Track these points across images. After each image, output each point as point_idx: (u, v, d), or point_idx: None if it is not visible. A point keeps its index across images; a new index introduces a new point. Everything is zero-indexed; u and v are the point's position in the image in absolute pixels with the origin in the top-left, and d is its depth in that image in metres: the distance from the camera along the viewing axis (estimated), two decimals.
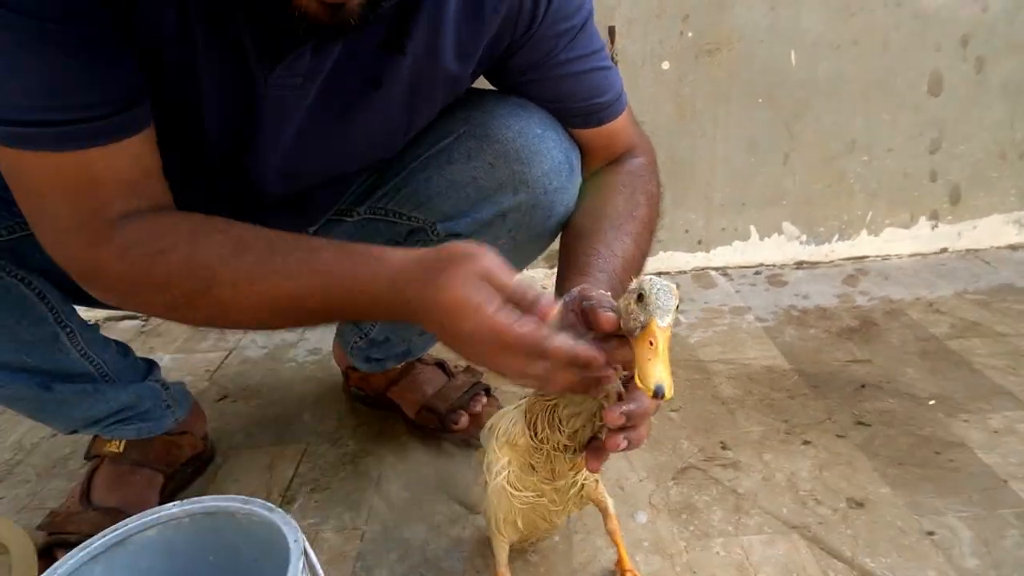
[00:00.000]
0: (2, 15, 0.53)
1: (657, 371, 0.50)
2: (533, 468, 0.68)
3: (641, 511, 0.92)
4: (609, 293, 0.59)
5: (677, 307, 0.52)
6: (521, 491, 0.69)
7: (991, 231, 1.65)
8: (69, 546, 0.82)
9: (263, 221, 0.85)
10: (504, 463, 0.69)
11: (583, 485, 0.71)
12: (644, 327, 0.51)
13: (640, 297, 0.52)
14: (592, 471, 0.66)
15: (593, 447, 0.62)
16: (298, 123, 0.72)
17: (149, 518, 0.62)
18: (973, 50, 1.50)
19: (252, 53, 0.64)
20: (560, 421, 0.63)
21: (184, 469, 1.00)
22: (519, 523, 0.73)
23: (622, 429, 0.56)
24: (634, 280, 0.54)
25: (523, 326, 0.54)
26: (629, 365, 0.55)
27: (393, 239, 0.92)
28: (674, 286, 0.53)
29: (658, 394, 0.50)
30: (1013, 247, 1.66)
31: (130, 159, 0.62)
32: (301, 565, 0.54)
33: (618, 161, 0.86)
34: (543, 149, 0.80)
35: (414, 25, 0.69)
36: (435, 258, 0.58)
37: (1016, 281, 1.51)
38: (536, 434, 0.65)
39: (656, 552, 0.86)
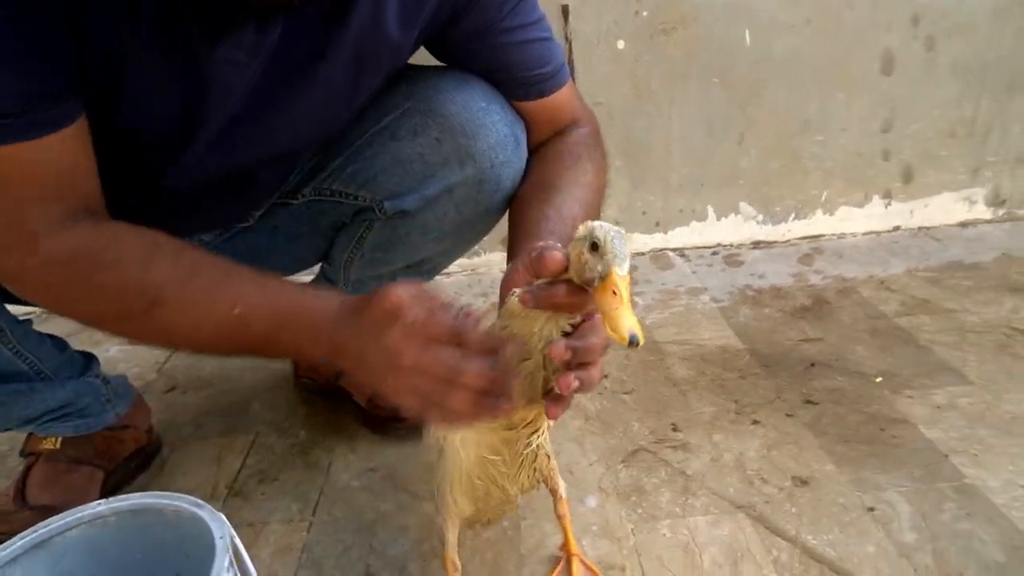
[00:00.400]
0: None
1: (626, 319, 0.49)
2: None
3: (590, 495, 0.92)
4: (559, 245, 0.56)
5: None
6: (474, 448, 0.67)
7: (942, 209, 1.67)
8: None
9: (206, 205, 0.83)
10: None
11: (537, 449, 0.69)
12: (604, 277, 0.50)
13: (594, 246, 0.50)
14: (551, 418, 0.62)
15: (551, 395, 0.59)
16: (243, 100, 0.70)
17: (71, 518, 0.60)
18: (923, 29, 1.51)
19: (195, 30, 0.62)
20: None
21: (127, 464, 0.98)
22: (475, 487, 0.70)
23: (572, 368, 0.55)
24: (581, 227, 0.52)
25: (444, 317, 0.54)
26: (580, 310, 0.54)
27: (339, 219, 0.91)
28: (623, 230, 0.52)
29: (632, 342, 0.48)
30: (963, 224, 1.69)
31: (56, 156, 0.60)
32: (226, 562, 0.53)
33: (563, 132, 0.85)
34: (488, 123, 0.80)
35: None
36: (369, 295, 0.58)
37: (965, 258, 1.53)
38: None
39: (604, 536, 0.86)
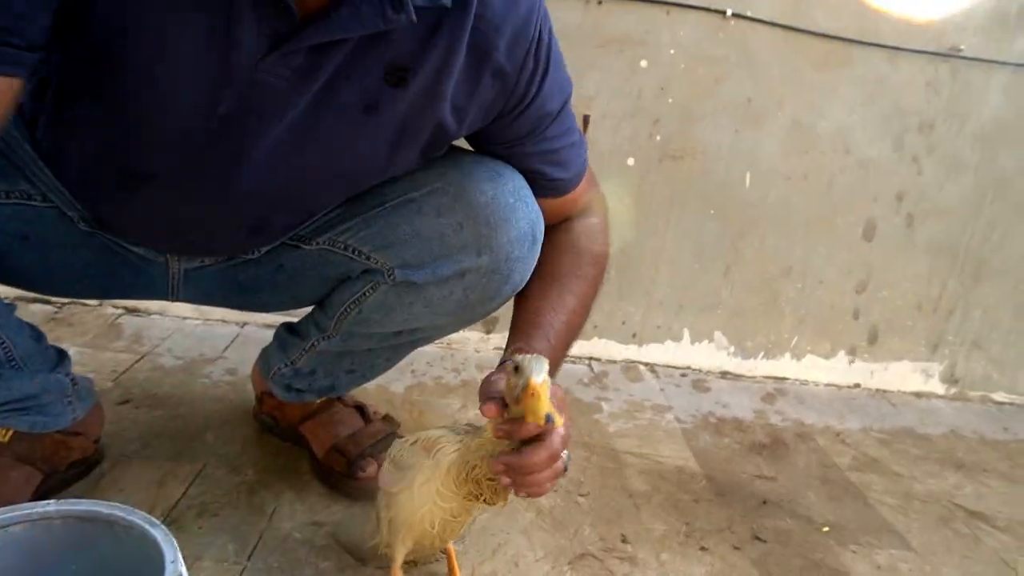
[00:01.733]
0: None
1: (542, 407, 0.64)
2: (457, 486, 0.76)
3: None
4: (501, 378, 0.69)
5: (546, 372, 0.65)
6: (440, 506, 0.76)
7: (900, 375, 1.75)
8: None
9: (215, 234, 0.84)
10: (430, 471, 0.76)
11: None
12: (524, 387, 0.64)
13: (516, 368, 0.66)
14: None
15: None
16: (278, 130, 0.72)
17: (16, 513, 0.57)
18: (905, 206, 1.63)
19: (253, 35, 0.64)
20: (471, 473, 0.74)
21: (67, 471, 0.94)
22: (424, 533, 0.79)
23: (510, 476, 0.68)
24: (508, 361, 0.68)
25: None
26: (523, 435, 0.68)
27: (346, 274, 0.92)
28: (544, 359, 0.67)
29: (548, 420, 0.65)
30: (918, 394, 1.76)
31: None
32: None
33: (572, 218, 0.91)
34: (512, 218, 0.83)
35: (421, 65, 0.71)
36: None
37: (916, 427, 1.59)
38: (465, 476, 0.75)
39: None
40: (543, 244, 0.88)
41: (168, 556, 0.54)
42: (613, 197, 1.55)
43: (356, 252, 0.89)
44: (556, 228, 0.90)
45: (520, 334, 0.81)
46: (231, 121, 0.70)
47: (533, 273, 0.89)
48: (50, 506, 0.58)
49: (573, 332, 0.86)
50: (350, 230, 0.89)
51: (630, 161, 1.55)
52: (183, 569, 0.56)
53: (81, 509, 0.59)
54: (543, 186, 0.87)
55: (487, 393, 0.69)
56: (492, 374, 0.72)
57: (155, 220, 0.81)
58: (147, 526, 0.57)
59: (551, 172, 0.86)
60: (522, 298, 0.88)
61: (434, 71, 0.73)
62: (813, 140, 1.57)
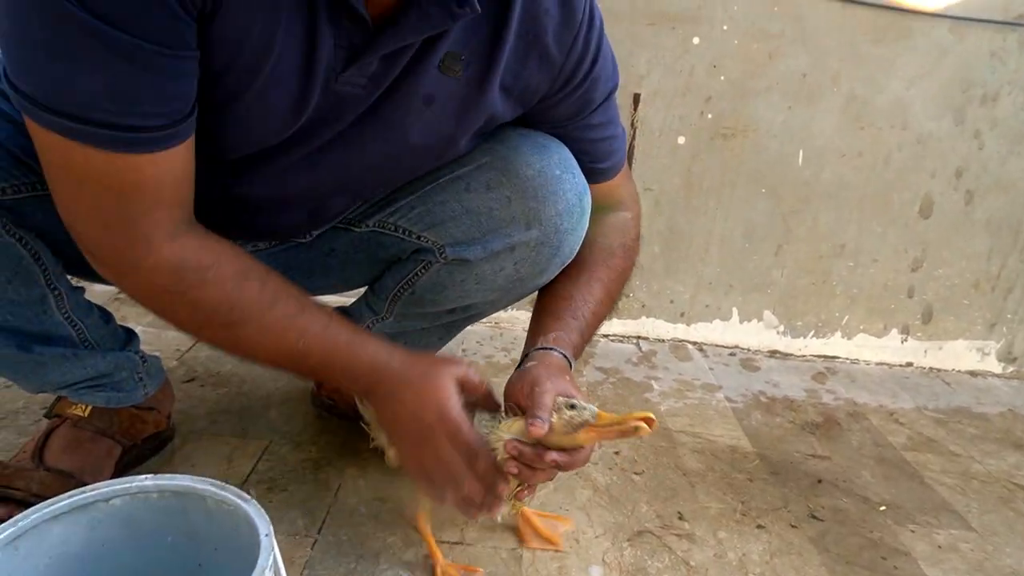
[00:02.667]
0: (85, 19, 0.53)
1: (633, 415, 0.71)
2: None
3: (595, 566, 0.92)
4: (548, 396, 0.74)
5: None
6: None
7: (955, 354, 1.72)
8: (13, 502, 0.80)
9: (270, 218, 0.86)
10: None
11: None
12: (595, 415, 0.73)
13: (572, 406, 0.73)
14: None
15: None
16: (353, 130, 0.74)
17: (118, 487, 0.60)
18: (965, 182, 1.59)
19: (330, 50, 0.66)
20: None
21: (143, 445, 0.98)
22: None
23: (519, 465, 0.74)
24: (556, 404, 0.74)
25: (471, 432, 0.73)
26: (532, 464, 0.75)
27: (397, 254, 0.93)
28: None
29: (651, 421, 0.71)
30: (973, 373, 1.73)
31: (173, 166, 0.64)
32: (270, 561, 0.54)
33: (606, 211, 0.92)
34: (559, 190, 0.83)
35: (473, 54, 0.72)
36: (427, 360, 0.76)
37: (972, 406, 1.57)
38: None
39: None
40: None
41: (262, 529, 0.56)
42: (664, 175, 1.55)
43: (407, 232, 0.90)
44: (593, 218, 0.90)
45: (552, 320, 0.84)
46: (309, 128, 0.72)
47: (569, 265, 0.90)
48: (148, 480, 0.61)
49: (599, 322, 0.88)
50: (400, 211, 0.90)
51: (681, 140, 1.53)
52: (275, 543, 0.59)
53: (177, 484, 0.62)
54: (584, 171, 0.87)
55: (537, 412, 0.73)
56: (525, 378, 0.77)
57: (219, 208, 0.83)
58: (240, 501, 0.59)
59: (590, 159, 0.87)
60: (552, 284, 0.90)
61: (486, 57, 0.73)
62: (870, 115, 1.53)
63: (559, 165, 0.83)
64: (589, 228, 0.89)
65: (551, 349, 0.81)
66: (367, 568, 0.86)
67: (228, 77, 0.65)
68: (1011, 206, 1.60)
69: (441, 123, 0.78)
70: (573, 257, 0.89)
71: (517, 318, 1.65)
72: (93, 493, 0.60)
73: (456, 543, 0.93)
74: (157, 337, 1.39)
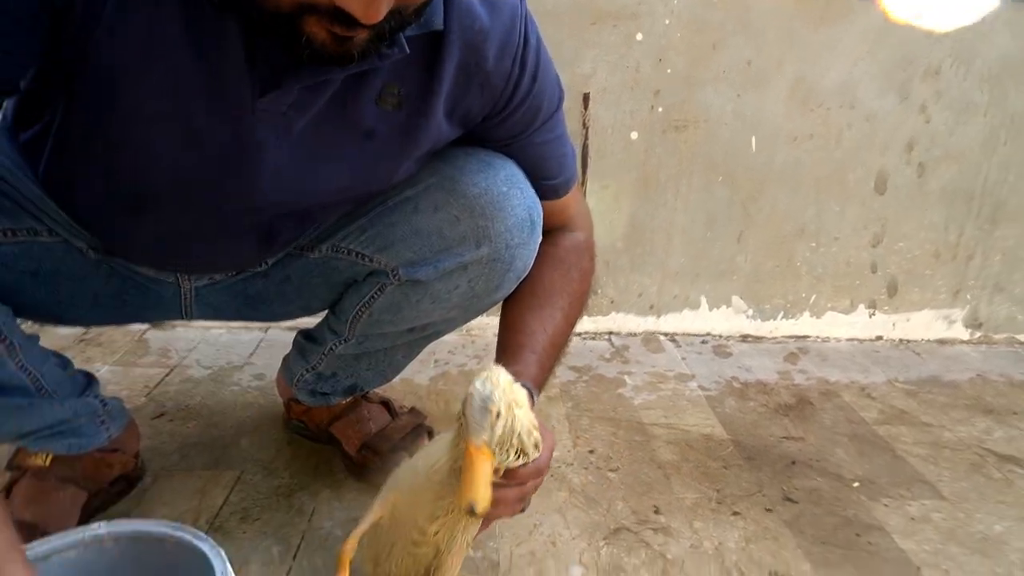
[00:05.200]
0: None
1: (469, 491, 0.58)
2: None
3: (576, 565, 0.93)
4: None
5: (498, 415, 0.59)
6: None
7: (923, 324, 1.74)
8: None
9: (220, 248, 0.86)
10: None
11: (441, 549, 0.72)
12: (464, 451, 0.60)
13: (464, 414, 0.60)
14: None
15: None
16: (279, 157, 0.73)
17: (72, 538, 0.60)
18: (916, 156, 1.61)
19: (244, 77, 0.66)
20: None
21: (111, 488, 0.97)
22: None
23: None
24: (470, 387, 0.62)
25: None
26: None
27: (352, 277, 0.94)
28: (491, 392, 0.59)
29: (471, 511, 0.58)
30: (941, 341, 1.76)
31: None
32: None
33: (559, 233, 0.93)
34: (507, 206, 0.83)
35: (412, 86, 0.73)
36: None
37: (942, 374, 1.59)
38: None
39: None
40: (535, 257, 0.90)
41: (218, 568, 0.56)
42: (620, 171, 1.56)
43: (359, 256, 0.90)
44: (544, 243, 0.90)
45: (510, 356, 0.81)
46: (231, 154, 0.71)
47: (521, 288, 0.90)
48: (100, 529, 0.61)
49: (559, 351, 0.87)
50: (351, 235, 0.90)
51: (633, 135, 1.54)
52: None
53: (131, 529, 0.62)
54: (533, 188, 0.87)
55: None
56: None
57: (162, 243, 0.83)
58: (195, 540, 0.60)
59: (539, 174, 0.87)
60: (510, 314, 0.89)
61: (427, 89, 0.74)
62: (817, 97, 1.55)
63: (505, 181, 0.84)
64: (542, 251, 0.90)
65: None
66: None
67: (121, 86, 0.64)
68: (963, 175, 1.63)
69: (384, 155, 0.78)
70: (528, 271, 0.90)
71: (488, 324, 1.65)
72: (47, 547, 0.60)
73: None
74: (125, 375, 1.38)
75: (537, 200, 0.87)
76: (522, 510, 0.75)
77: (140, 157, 0.70)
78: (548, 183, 0.89)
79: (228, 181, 0.74)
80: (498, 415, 0.59)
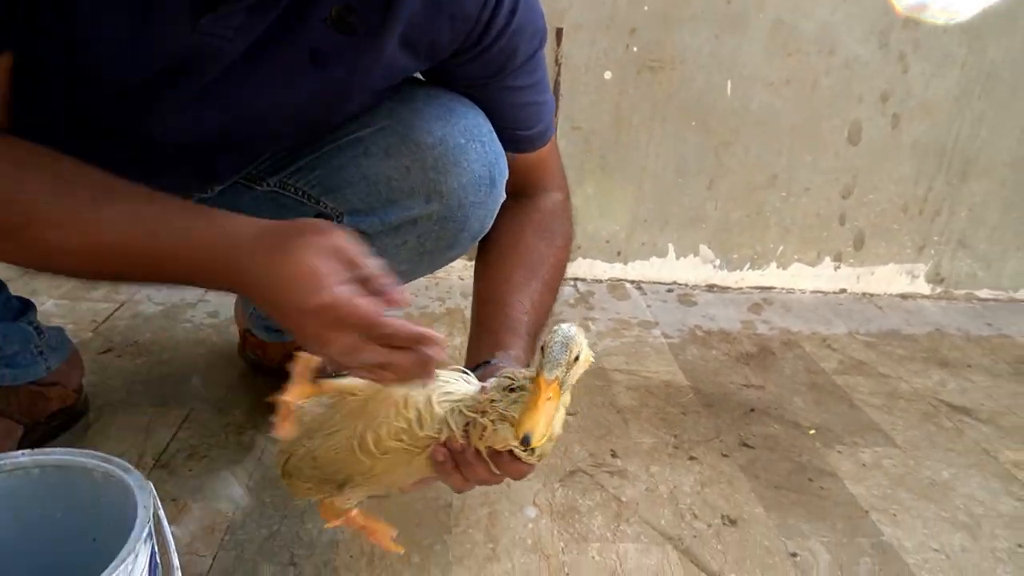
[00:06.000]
0: None
1: (529, 420, 0.55)
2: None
3: (529, 507, 0.92)
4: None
5: (577, 357, 0.56)
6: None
7: (886, 278, 1.75)
8: None
9: (162, 175, 0.80)
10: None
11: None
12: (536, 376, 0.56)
13: (542, 349, 0.57)
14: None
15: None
16: (221, 78, 0.68)
17: None
18: (891, 106, 1.59)
19: None
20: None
21: (49, 422, 0.93)
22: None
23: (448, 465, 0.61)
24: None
25: (363, 303, 0.54)
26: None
27: (300, 217, 0.89)
28: (576, 335, 0.57)
29: (524, 441, 0.55)
30: (903, 296, 1.77)
31: None
32: (144, 533, 0.51)
33: (539, 195, 0.87)
34: (463, 161, 0.77)
35: (366, 8, 0.66)
36: (287, 227, 0.56)
37: (902, 327, 1.61)
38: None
39: (534, 551, 0.86)
40: (508, 225, 0.84)
41: (140, 501, 0.53)
42: (592, 112, 1.51)
43: (306, 196, 0.84)
44: (525, 206, 0.85)
45: (489, 337, 0.75)
46: (165, 78, 0.66)
47: (500, 258, 0.84)
48: (23, 456, 0.58)
49: (544, 321, 0.81)
50: (300, 171, 0.84)
51: (607, 75, 1.50)
52: (160, 512, 0.56)
53: (56, 458, 0.58)
54: (503, 137, 0.81)
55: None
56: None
57: (99, 163, 0.78)
58: (122, 472, 0.57)
59: (513, 123, 0.81)
60: (494, 286, 0.81)
61: (384, 12, 0.67)
62: (796, 42, 1.51)
63: (464, 133, 0.77)
64: (525, 217, 0.84)
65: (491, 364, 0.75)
66: (290, 528, 0.85)
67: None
68: (935, 129, 1.62)
69: (332, 82, 0.71)
70: (485, 231, 0.84)
71: (452, 267, 1.61)
72: None
73: (383, 496, 0.91)
74: (71, 309, 1.33)
75: (501, 155, 0.80)
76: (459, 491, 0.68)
77: (85, 55, 0.63)
78: (523, 133, 0.83)
79: (166, 97, 0.68)
80: (576, 359, 0.57)
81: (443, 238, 0.82)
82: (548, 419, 0.56)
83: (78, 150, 0.68)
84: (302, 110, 0.74)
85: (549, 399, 0.56)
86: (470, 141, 0.77)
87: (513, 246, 0.84)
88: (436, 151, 0.76)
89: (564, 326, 0.58)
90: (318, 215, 0.85)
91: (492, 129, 0.79)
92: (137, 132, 0.72)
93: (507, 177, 0.82)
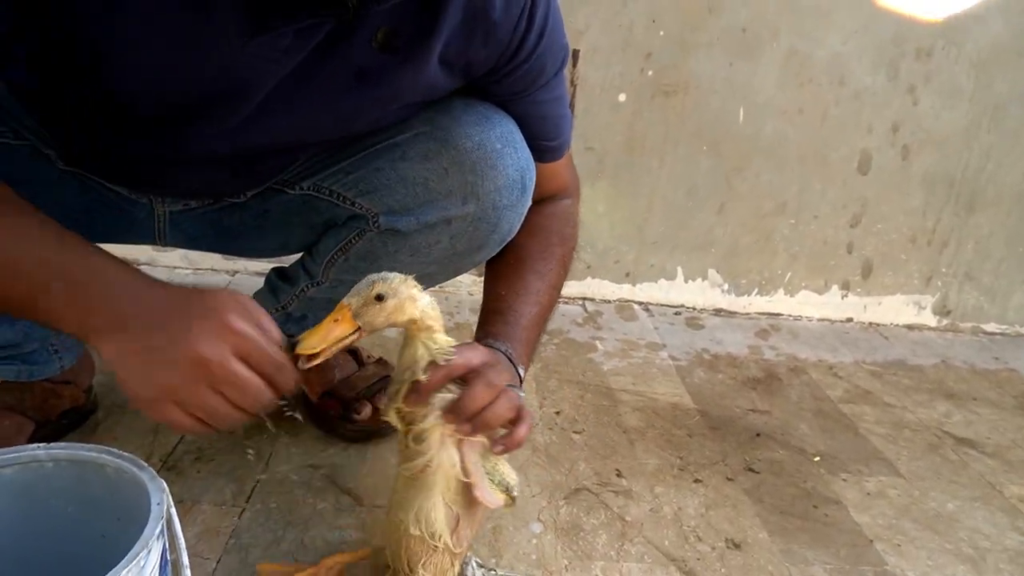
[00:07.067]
0: None
1: (306, 333, 0.62)
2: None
3: (535, 522, 0.92)
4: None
5: (380, 297, 0.61)
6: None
7: (893, 309, 1.75)
8: None
9: (202, 176, 0.82)
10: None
11: (430, 470, 0.67)
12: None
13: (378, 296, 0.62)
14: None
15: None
16: (267, 94, 0.70)
17: (8, 455, 0.57)
18: (901, 137, 1.61)
19: (233, 16, 0.62)
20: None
21: (60, 420, 0.94)
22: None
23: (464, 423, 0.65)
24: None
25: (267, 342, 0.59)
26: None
27: (332, 220, 0.90)
28: (391, 280, 0.62)
29: (292, 347, 0.61)
30: (910, 327, 1.77)
31: None
32: (158, 531, 0.51)
33: (547, 201, 0.91)
34: (499, 165, 0.80)
35: (410, 29, 0.69)
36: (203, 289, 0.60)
37: (909, 358, 1.61)
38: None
39: (539, 567, 0.86)
40: (526, 224, 0.88)
41: (154, 498, 0.54)
42: (605, 134, 1.53)
43: (341, 198, 0.87)
44: (532, 209, 0.88)
45: (492, 325, 0.80)
46: (215, 90, 0.68)
47: (505, 256, 0.88)
48: (39, 450, 0.58)
49: (544, 316, 0.85)
50: (335, 175, 0.86)
51: (621, 97, 1.51)
52: (172, 510, 0.56)
53: (70, 452, 0.59)
54: (531, 149, 0.84)
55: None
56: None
57: (137, 163, 0.79)
58: (135, 468, 0.57)
59: (536, 135, 0.85)
60: (494, 282, 0.87)
61: (425, 33, 0.70)
62: (808, 71, 1.53)
63: (500, 139, 0.80)
64: (532, 219, 0.87)
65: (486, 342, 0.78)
66: (295, 535, 0.85)
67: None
68: (945, 161, 1.63)
69: (375, 98, 0.75)
70: (513, 234, 0.87)
71: (461, 282, 1.62)
72: None
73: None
74: None
75: (531, 162, 0.84)
76: (518, 421, 0.68)
77: (126, 73, 0.65)
78: (546, 144, 0.86)
79: (211, 114, 0.70)
80: (379, 297, 0.61)
81: (475, 239, 0.84)
82: (322, 337, 0.61)
83: (126, 140, 0.69)
84: (342, 124, 0.77)
85: (336, 321, 0.61)
86: (505, 146, 0.80)
87: (512, 246, 0.88)
88: (475, 155, 0.79)
89: (389, 273, 0.63)
90: (351, 216, 0.86)
91: (523, 137, 0.83)
92: (175, 149, 0.74)
93: (536, 180, 0.85)
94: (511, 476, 0.71)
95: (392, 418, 0.67)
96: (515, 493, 0.71)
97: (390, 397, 0.68)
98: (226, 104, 0.70)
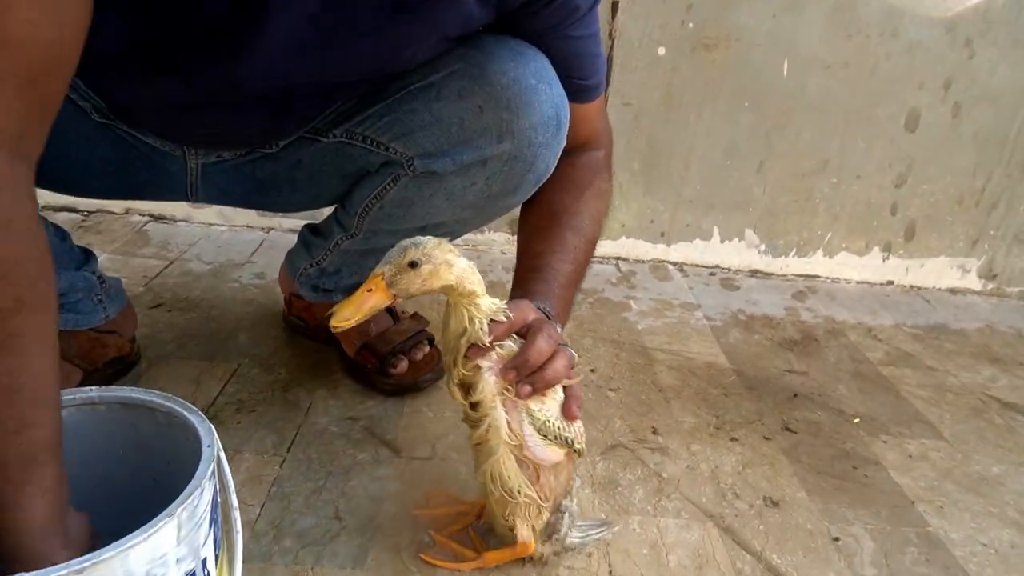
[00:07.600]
0: None
1: (339, 305, 0.61)
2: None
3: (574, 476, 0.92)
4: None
5: (414, 263, 0.60)
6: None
7: (936, 272, 1.71)
8: None
9: (234, 122, 0.81)
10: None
11: (488, 437, 0.67)
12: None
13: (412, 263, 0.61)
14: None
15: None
16: (300, 30, 0.69)
17: (65, 397, 0.58)
18: (953, 94, 1.54)
19: None
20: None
21: (105, 369, 0.96)
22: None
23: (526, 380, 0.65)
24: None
25: None
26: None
27: (365, 167, 0.90)
28: (425, 245, 0.61)
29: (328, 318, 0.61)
30: (953, 290, 1.73)
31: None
32: (210, 472, 0.52)
33: (579, 150, 0.89)
34: (535, 101, 0.79)
35: None
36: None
37: (951, 323, 1.57)
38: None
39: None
40: (551, 178, 0.86)
41: (205, 441, 0.54)
42: (643, 89, 1.49)
43: (374, 143, 0.86)
44: (572, 161, 0.87)
45: (527, 281, 0.78)
46: (253, 15, 0.66)
47: (534, 211, 0.87)
48: (93, 392, 0.59)
49: (580, 273, 0.84)
50: (368, 120, 0.86)
51: (660, 51, 1.47)
52: (221, 454, 0.57)
53: (123, 395, 0.60)
54: (565, 88, 0.83)
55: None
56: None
57: (172, 109, 0.79)
58: (185, 412, 0.58)
59: (571, 72, 0.83)
60: (528, 238, 0.86)
61: None
62: (858, 24, 1.47)
63: (535, 74, 0.79)
64: (565, 172, 0.86)
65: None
66: (336, 484, 0.86)
67: None
68: (998, 118, 1.56)
69: (412, 31, 0.73)
70: (549, 174, 0.86)
71: (494, 240, 1.62)
72: None
73: (427, 458, 0.92)
74: (125, 264, 1.36)
75: (565, 99, 0.82)
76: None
77: (156, 14, 0.64)
78: (582, 82, 0.84)
79: (243, 52, 0.69)
80: (412, 263, 0.60)
81: (511, 179, 0.83)
82: (356, 307, 0.60)
83: (160, 83, 0.68)
84: (380, 59, 0.76)
85: (369, 291, 0.60)
86: (540, 82, 0.79)
87: (545, 201, 0.87)
88: (510, 91, 0.78)
89: (422, 237, 0.62)
90: (385, 162, 0.86)
91: (556, 74, 0.81)
92: (224, 78, 0.73)
93: (569, 123, 0.83)
94: (570, 429, 0.69)
95: (455, 394, 0.67)
96: (578, 446, 0.70)
97: (448, 370, 0.67)
98: (254, 39, 0.68)
